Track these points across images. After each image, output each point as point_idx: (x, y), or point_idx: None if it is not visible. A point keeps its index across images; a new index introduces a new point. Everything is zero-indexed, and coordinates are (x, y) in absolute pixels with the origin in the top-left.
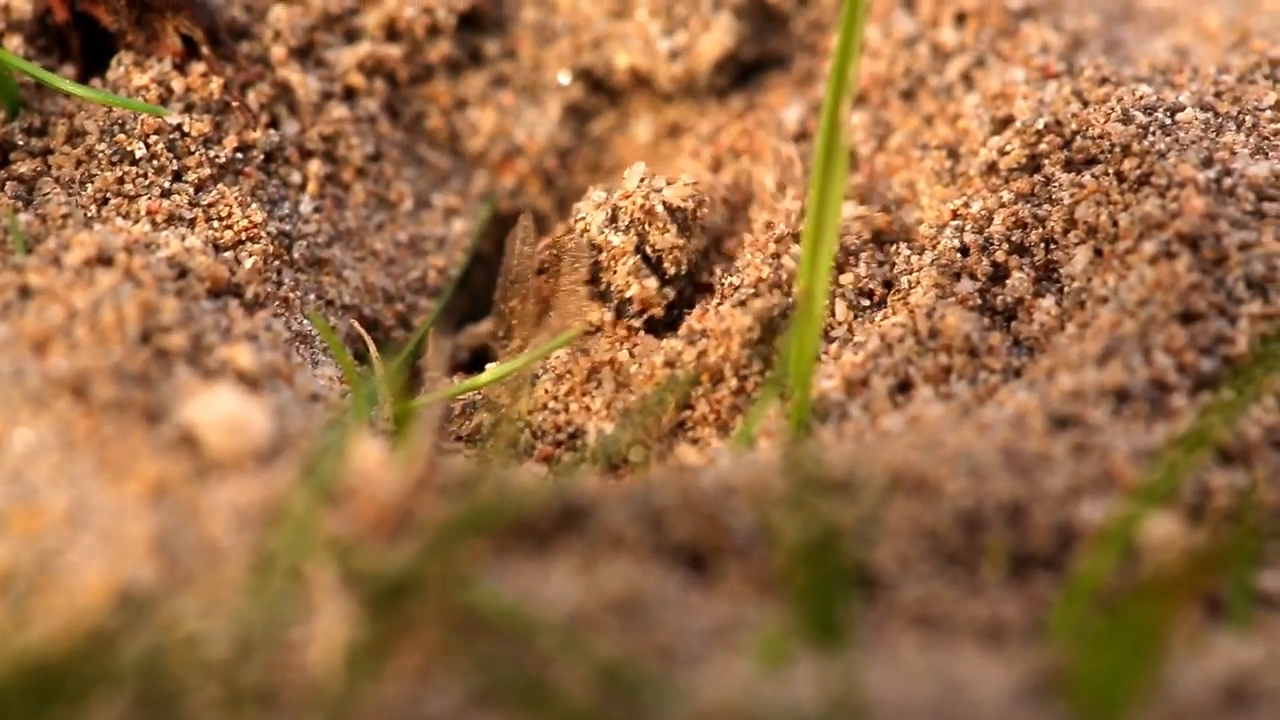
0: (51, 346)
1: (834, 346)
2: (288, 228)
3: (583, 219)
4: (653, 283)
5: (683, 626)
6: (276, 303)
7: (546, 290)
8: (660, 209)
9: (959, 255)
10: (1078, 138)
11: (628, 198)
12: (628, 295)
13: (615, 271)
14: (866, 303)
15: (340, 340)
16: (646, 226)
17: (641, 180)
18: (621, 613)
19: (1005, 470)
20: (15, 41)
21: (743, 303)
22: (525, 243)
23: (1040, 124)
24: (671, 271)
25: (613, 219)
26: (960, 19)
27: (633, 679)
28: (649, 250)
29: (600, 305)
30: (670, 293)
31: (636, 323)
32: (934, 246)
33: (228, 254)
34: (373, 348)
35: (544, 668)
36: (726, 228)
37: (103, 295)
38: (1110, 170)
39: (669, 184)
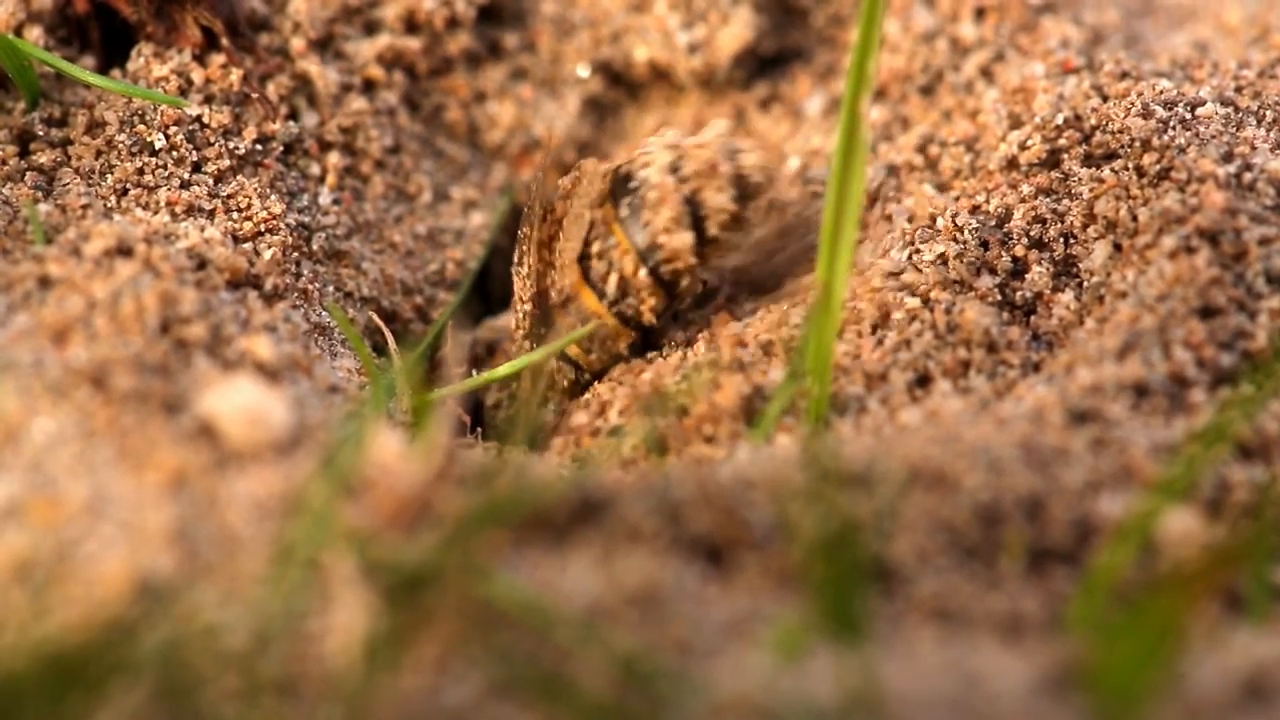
0: (71, 337)
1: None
2: (306, 219)
3: (648, 153)
4: (688, 237)
5: (700, 619)
6: (295, 294)
7: (561, 213)
8: (726, 168)
9: (979, 250)
10: (1097, 132)
11: (701, 147)
12: (659, 240)
13: (658, 214)
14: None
15: (359, 332)
16: (705, 180)
17: (720, 136)
18: (639, 605)
19: (1024, 464)
20: (35, 32)
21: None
22: (544, 169)
23: (1060, 119)
24: (713, 231)
25: (677, 163)
26: (980, 14)
27: (650, 671)
28: (697, 205)
29: (634, 248)
30: (692, 262)
31: (662, 271)
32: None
33: (247, 245)
34: (391, 340)
35: (562, 660)
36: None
37: (122, 286)
38: (1130, 165)
39: (749, 150)
